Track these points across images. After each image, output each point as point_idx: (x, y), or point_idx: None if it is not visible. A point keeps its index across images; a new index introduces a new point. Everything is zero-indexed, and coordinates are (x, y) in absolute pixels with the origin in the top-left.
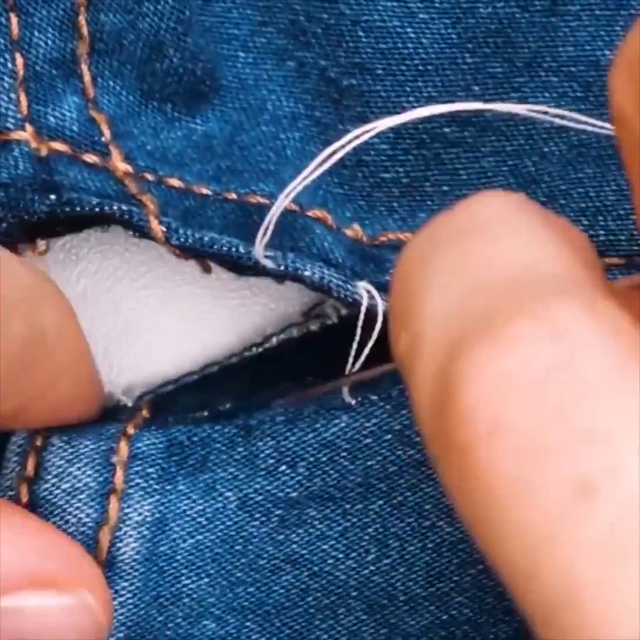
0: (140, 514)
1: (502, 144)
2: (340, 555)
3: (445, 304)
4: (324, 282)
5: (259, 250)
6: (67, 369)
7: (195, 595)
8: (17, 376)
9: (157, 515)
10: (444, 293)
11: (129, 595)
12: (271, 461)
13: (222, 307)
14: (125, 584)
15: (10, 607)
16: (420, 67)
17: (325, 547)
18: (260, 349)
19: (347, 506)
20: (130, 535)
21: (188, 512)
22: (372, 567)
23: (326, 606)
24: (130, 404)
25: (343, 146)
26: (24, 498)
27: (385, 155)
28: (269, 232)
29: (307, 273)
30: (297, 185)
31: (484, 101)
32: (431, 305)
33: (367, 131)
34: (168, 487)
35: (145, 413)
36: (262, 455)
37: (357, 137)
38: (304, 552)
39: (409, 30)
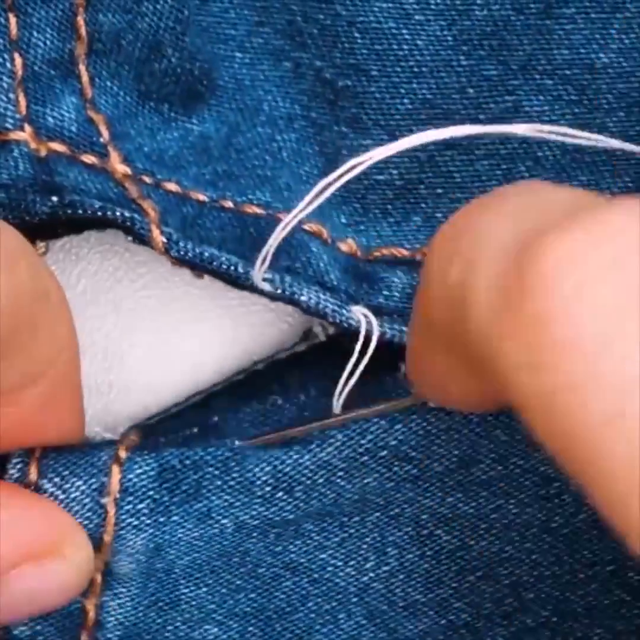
0: (133, 548)
1: (496, 147)
2: (340, 563)
3: (509, 222)
4: (319, 307)
5: (257, 275)
6: (64, 349)
7: (194, 602)
8: (26, 330)
9: (152, 545)
10: (506, 217)
11: (126, 599)
12: (268, 488)
13: (221, 308)
14: (123, 589)
15: (9, 581)
16: (415, 69)
17: (323, 556)
18: (245, 374)
19: (344, 519)
20: (125, 561)
21: (183, 539)
22: (371, 574)
23: (326, 611)
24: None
25: (341, 175)
26: None
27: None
28: (268, 259)
29: (303, 298)
30: (296, 214)
31: (479, 104)
32: (491, 227)
33: (364, 161)
34: (161, 519)
35: (134, 438)
36: (258, 482)
37: (354, 166)
38: (303, 560)
39: (404, 31)
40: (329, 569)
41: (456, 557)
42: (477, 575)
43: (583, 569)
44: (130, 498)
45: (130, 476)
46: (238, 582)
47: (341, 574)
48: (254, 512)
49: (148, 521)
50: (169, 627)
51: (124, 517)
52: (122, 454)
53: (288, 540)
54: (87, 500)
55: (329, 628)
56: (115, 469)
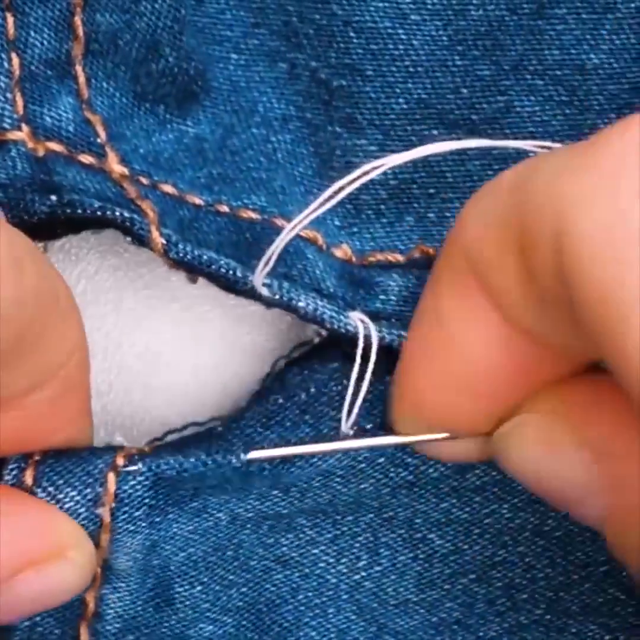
0: (130, 547)
1: (488, 147)
2: (331, 560)
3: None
4: (317, 313)
5: (258, 279)
6: (74, 352)
7: (188, 602)
8: (34, 335)
9: (148, 543)
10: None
11: (125, 593)
12: (264, 489)
13: (220, 307)
14: (122, 584)
15: (13, 587)
16: (411, 69)
17: (315, 551)
18: (258, 388)
19: (338, 517)
20: (122, 559)
21: (179, 534)
22: (363, 573)
23: (316, 605)
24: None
25: (350, 182)
26: None
27: (373, 156)
28: (271, 263)
29: (301, 304)
30: (302, 218)
31: (472, 104)
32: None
33: (377, 167)
34: (157, 520)
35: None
36: (256, 484)
37: (366, 172)
38: (294, 554)
39: (400, 31)
40: (321, 564)
41: (449, 560)
42: (470, 577)
43: (577, 570)
44: (126, 508)
45: (125, 487)
46: (231, 577)
47: (333, 570)
48: (248, 506)
49: (144, 524)
50: (165, 624)
51: (120, 524)
52: (120, 461)
53: (280, 533)
54: (82, 510)
55: (319, 621)
56: (111, 478)
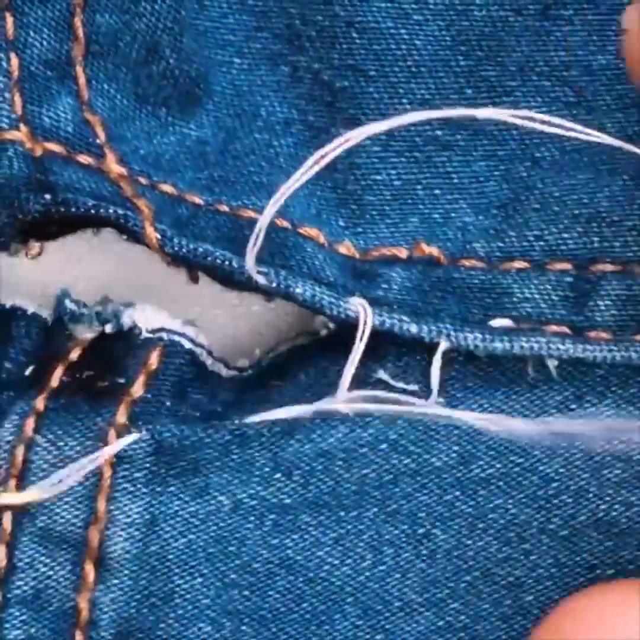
0: (129, 516)
1: (494, 148)
2: (336, 562)
3: None
4: (315, 299)
5: (250, 264)
6: None
7: (188, 596)
8: None
9: (147, 516)
10: None
11: (119, 592)
12: (267, 469)
13: (220, 307)
14: (116, 581)
15: None
16: (414, 69)
17: (320, 553)
18: (250, 371)
19: (342, 513)
20: (119, 535)
21: (180, 513)
22: (367, 573)
23: (322, 612)
24: (144, 333)
25: (333, 150)
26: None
27: (377, 157)
28: (260, 241)
29: (298, 290)
30: (286, 189)
31: (477, 105)
32: None
33: (357, 136)
34: (158, 489)
35: (136, 390)
36: (257, 463)
37: (348, 141)
38: (299, 558)
39: (402, 31)
40: (325, 568)
41: (452, 556)
42: (474, 575)
43: (583, 571)
44: (127, 466)
45: (126, 448)
46: (232, 576)
47: (337, 573)
48: (251, 491)
49: (144, 489)
50: (162, 625)
51: (119, 481)
52: (121, 419)
53: (285, 533)
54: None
55: (325, 629)
56: (112, 434)
